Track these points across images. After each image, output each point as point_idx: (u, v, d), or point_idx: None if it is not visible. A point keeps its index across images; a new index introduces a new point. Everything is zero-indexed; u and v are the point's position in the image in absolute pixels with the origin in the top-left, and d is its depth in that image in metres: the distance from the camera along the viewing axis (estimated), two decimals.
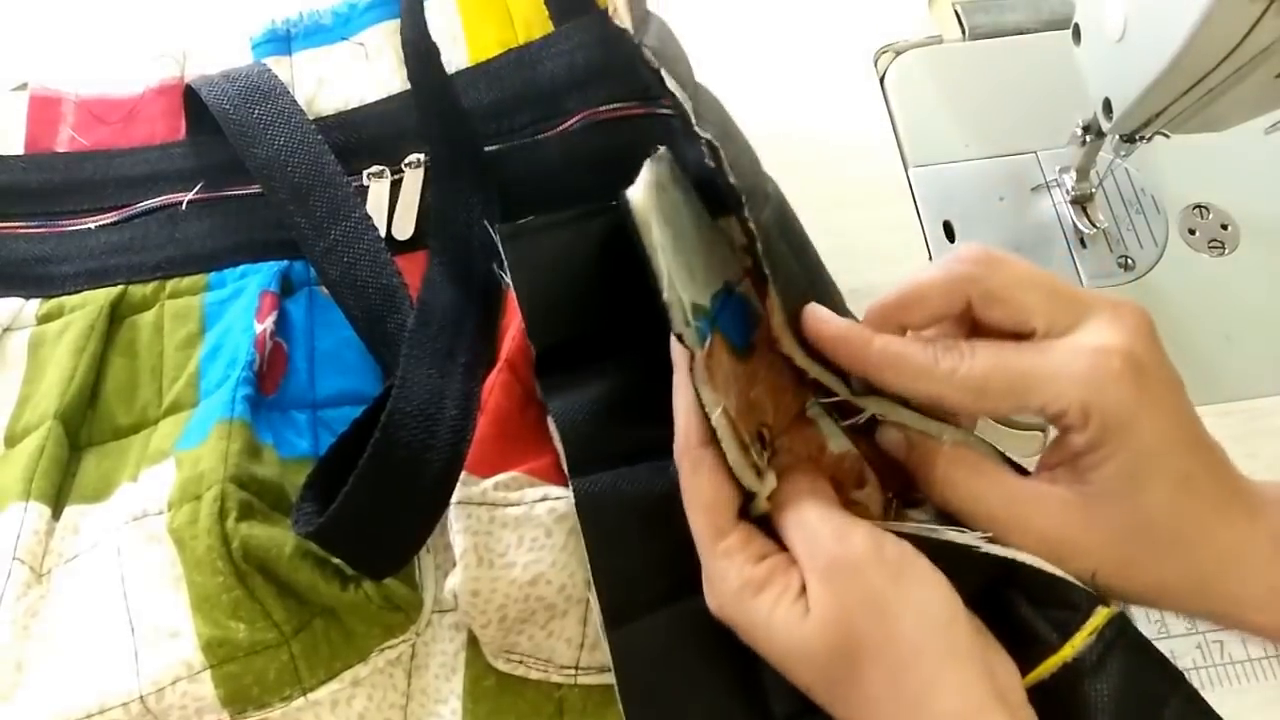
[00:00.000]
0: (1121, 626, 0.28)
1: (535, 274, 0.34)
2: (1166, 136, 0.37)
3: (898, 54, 0.48)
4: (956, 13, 0.48)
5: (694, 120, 0.28)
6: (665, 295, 0.27)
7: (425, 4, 0.41)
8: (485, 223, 0.36)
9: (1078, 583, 0.28)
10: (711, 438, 0.28)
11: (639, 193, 0.27)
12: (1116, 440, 0.26)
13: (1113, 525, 0.27)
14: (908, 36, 0.48)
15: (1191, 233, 0.43)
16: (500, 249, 0.34)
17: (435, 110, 0.38)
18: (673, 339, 0.30)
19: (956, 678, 0.25)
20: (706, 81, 0.39)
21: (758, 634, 0.27)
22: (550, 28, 0.41)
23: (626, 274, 0.34)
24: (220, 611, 0.30)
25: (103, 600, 0.31)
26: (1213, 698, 0.28)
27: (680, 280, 0.27)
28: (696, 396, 0.28)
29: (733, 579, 0.27)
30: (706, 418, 0.28)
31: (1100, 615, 0.28)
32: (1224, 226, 0.43)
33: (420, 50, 0.38)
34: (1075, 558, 0.27)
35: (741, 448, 0.28)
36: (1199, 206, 0.43)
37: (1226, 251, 0.42)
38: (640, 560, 0.30)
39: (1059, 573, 0.28)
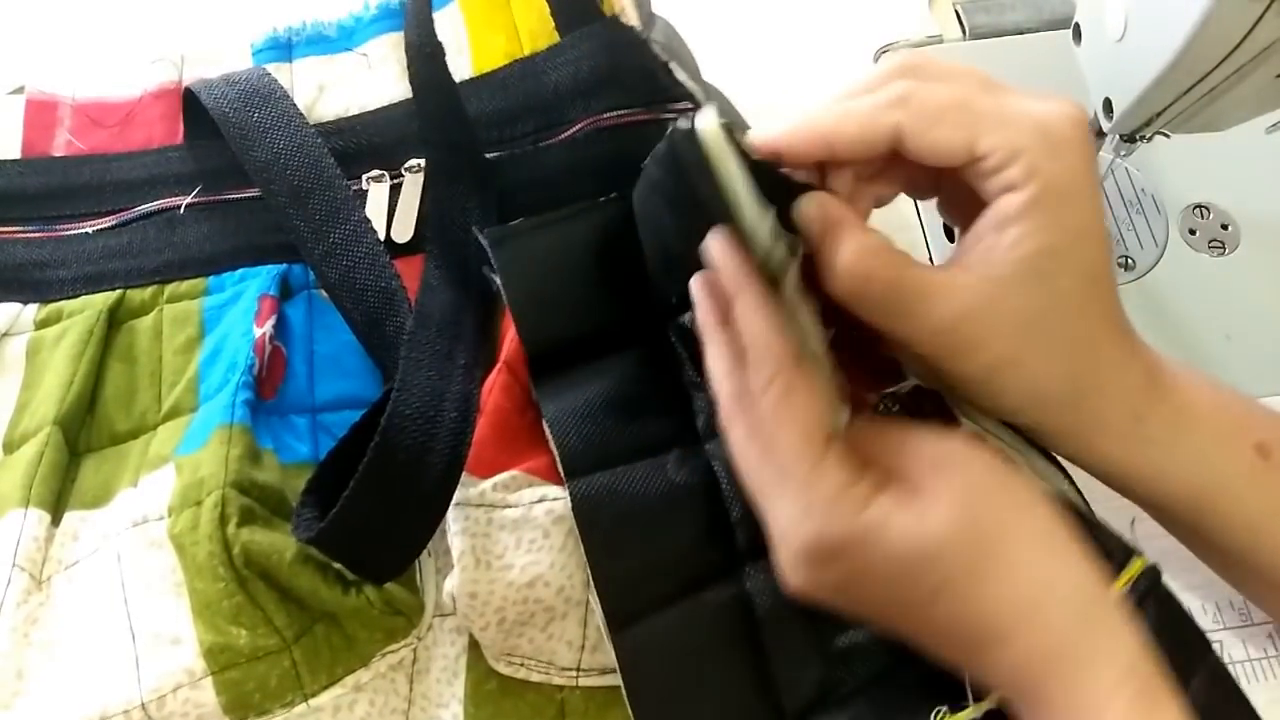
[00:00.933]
0: (1154, 579, 0.28)
1: (524, 277, 0.34)
2: (1167, 136, 0.37)
3: (898, 53, 0.48)
4: (957, 12, 0.48)
5: (705, 104, 0.28)
6: (748, 217, 0.26)
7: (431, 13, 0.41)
8: (474, 230, 0.36)
9: (1115, 531, 0.28)
10: (800, 360, 0.27)
11: (709, 123, 0.25)
12: (1048, 212, 0.26)
13: (1015, 314, 0.26)
14: (908, 36, 0.48)
15: (1192, 233, 0.43)
16: (488, 253, 0.34)
17: (437, 111, 0.38)
18: (735, 266, 0.28)
19: (1081, 559, 0.25)
20: (707, 81, 0.39)
21: (871, 551, 0.25)
22: (556, 39, 0.41)
23: (617, 271, 0.34)
24: (221, 617, 0.30)
25: (103, 607, 0.31)
26: None
27: (753, 212, 0.26)
28: (782, 322, 0.27)
29: (838, 497, 0.26)
30: (792, 343, 0.27)
31: (1136, 565, 0.28)
32: (1224, 226, 0.43)
33: (425, 51, 0.37)
34: (968, 350, 0.26)
35: (831, 368, 0.28)
36: (1199, 206, 0.43)
37: (1227, 251, 0.42)
38: (641, 561, 0.30)
39: (1097, 518, 0.28)
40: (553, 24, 0.41)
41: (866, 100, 0.27)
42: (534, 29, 0.41)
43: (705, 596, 0.30)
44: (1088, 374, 0.27)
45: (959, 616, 0.26)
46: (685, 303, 0.33)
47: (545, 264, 0.34)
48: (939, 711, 0.28)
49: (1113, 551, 0.28)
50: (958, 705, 0.28)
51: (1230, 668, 0.35)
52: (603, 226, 0.35)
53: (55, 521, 0.33)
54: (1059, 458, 0.30)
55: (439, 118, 0.38)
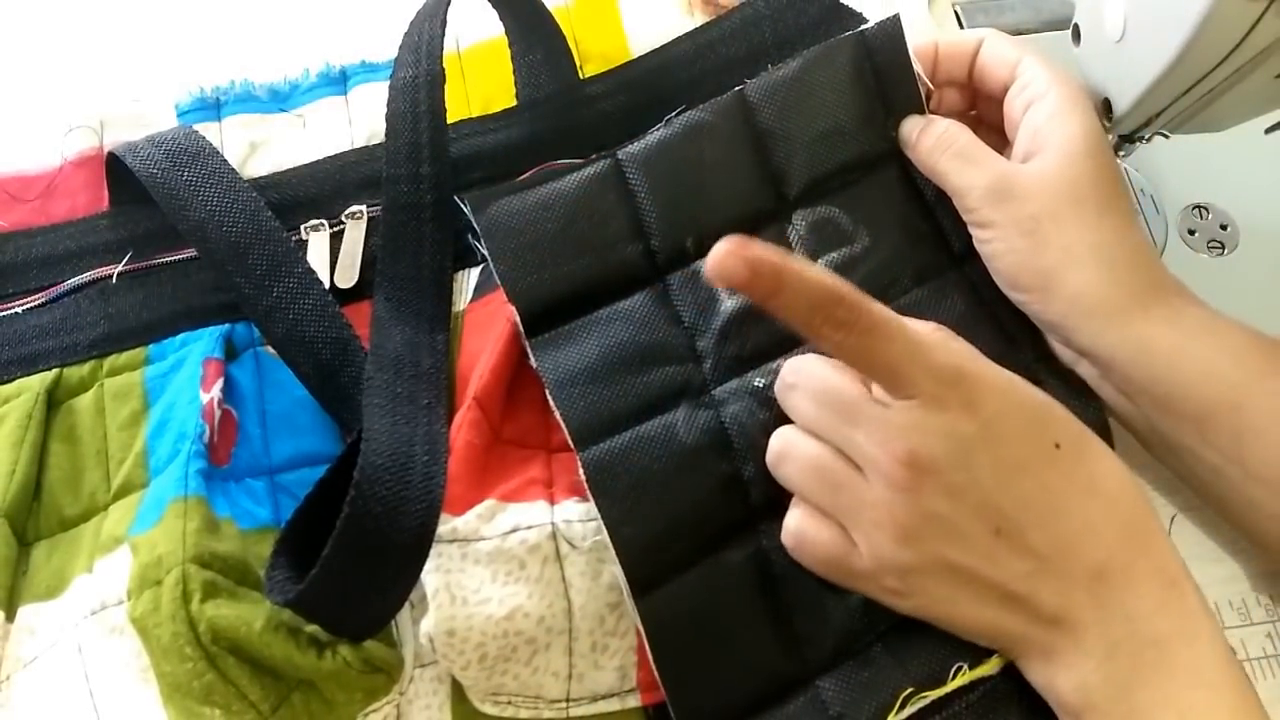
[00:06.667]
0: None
1: (509, 236, 0.34)
2: (1166, 136, 0.37)
3: None
4: (956, 13, 0.48)
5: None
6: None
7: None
8: (456, 198, 0.36)
9: None
10: None
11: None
12: (1072, 108, 0.33)
13: (1065, 181, 0.33)
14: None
15: (1191, 233, 0.42)
16: (471, 219, 0.34)
17: (415, 139, 0.37)
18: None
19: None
20: None
21: (1007, 394, 0.29)
22: (513, 103, 0.41)
23: (605, 225, 0.34)
24: (193, 699, 0.28)
25: (68, 702, 0.29)
26: None
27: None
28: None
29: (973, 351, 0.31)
30: None
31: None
32: (1223, 227, 0.42)
33: (425, 79, 0.36)
34: (1024, 195, 0.33)
35: None
36: (1198, 207, 0.43)
37: (1226, 252, 0.42)
38: (659, 526, 0.30)
39: None
40: (513, 93, 0.41)
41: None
42: (489, 96, 0.41)
43: (724, 556, 0.30)
44: (1136, 242, 0.33)
45: (1061, 487, 0.28)
46: (701, 249, 0.33)
47: (530, 224, 0.34)
48: (959, 668, 0.29)
49: None
50: (977, 661, 0.29)
51: None
52: (587, 183, 0.35)
53: (9, 617, 0.32)
54: None
55: (415, 147, 0.37)
